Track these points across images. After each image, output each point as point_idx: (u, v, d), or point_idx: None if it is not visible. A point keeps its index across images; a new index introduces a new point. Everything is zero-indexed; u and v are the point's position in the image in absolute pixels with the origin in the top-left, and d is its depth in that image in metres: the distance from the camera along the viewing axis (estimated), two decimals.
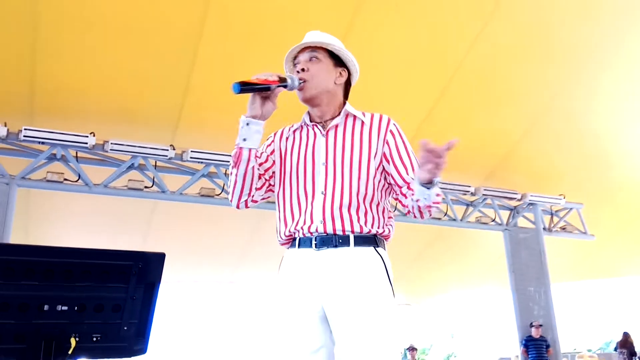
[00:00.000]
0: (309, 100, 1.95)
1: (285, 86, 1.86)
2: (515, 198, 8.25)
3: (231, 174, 1.93)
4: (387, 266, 1.84)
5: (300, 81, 1.91)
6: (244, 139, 1.86)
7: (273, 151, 2.03)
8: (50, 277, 1.31)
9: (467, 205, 8.25)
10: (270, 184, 2.01)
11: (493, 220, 8.39)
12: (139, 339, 1.40)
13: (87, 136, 6.06)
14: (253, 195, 1.96)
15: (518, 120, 7.41)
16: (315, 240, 1.83)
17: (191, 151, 6.52)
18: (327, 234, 1.83)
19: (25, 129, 5.78)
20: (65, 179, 6.25)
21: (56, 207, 7.48)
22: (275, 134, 2.07)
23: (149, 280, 1.43)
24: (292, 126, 2.04)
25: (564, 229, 8.58)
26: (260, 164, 1.99)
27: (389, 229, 1.94)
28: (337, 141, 1.92)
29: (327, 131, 1.95)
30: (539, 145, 7.68)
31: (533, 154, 7.78)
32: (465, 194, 8.02)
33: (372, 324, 1.71)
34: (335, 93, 1.98)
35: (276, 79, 1.83)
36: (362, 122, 1.95)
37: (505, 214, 8.53)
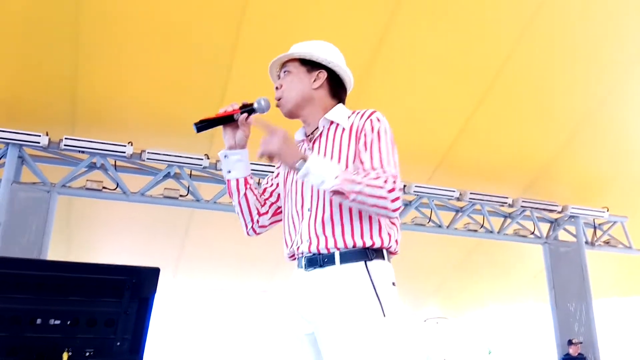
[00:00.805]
0: (290, 115, 1.92)
1: (252, 111, 1.86)
2: (555, 210, 7.98)
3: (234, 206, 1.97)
4: (374, 281, 1.70)
5: (277, 100, 1.91)
6: (229, 171, 1.91)
7: (278, 174, 2.03)
8: (42, 290, 1.34)
9: (505, 217, 8.04)
10: (279, 206, 2.00)
11: (532, 233, 8.14)
12: (133, 355, 1.40)
13: (125, 145, 6.22)
14: (258, 221, 1.97)
15: (559, 130, 7.19)
16: (305, 261, 1.78)
17: None
18: (313, 254, 1.77)
19: (66, 139, 5.98)
20: (104, 187, 6.43)
21: (97, 216, 7.70)
22: None
23: (143, 295, 1.44)
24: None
25: (607, 243, 8.24)
26: (265, 189, 2.02)
27: (384, 238, 1.78)
28: (319, 154, 1.85)
29: (313, 144, 1.90)
30: (581, 156, 7.42)
31: (575, 164, 7.52)
32: (503, 206, 7.81)
33: (352, 347, 1.62)
34: (315, 98, 1.91)
35: (237, 107, 1.85)
36: (343, 129, 1.85)
37: (545, 227, 8.27)
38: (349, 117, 1.87)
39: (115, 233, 8.32)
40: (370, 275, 1.71)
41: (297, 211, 1.85)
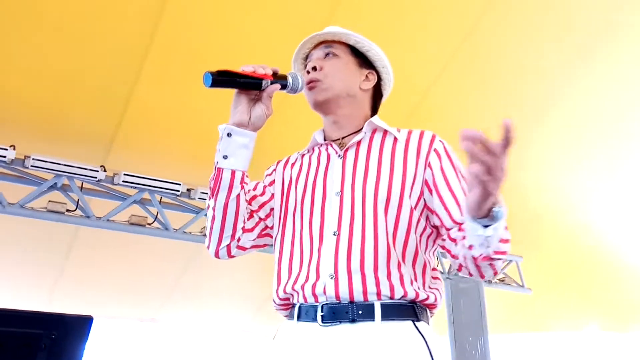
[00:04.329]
0: (321, 105, 1.46)
1: (284, 85, 1.38)
2: None
3: (208, 207, 1.36)
4: (432, 352, 1.24)
5: (310, 83, 1.43)
6: (225, 156, 1.32)
7: (273, 182, 1.51)
8: None
9: None
10: (266, 226, 1.47)
11: (434, 269, 8.21)
12: None
13: (7, 149, 5.40)
14: (239, 239, 1.39)
15: None
16: (322, 311, 1.23)
17: (124, 174, 5.95)
18: (340, 302, 1.24)
19: None
20: None
21: None
22: (279, 162, 1.57)
23: (65, 357, 0.97)
24: (304, 150, 1.54)
25: (502, 281, 8.53)
26: (254, 197, 1.47)
27: (434, 294, 1.37)
28: (359, 163, 1.39)
29: (346, 150, 1.42)
30: None
31: None
32: None
33: None
34: (359, 100, 1.49)
35: (270, 72, 1.35)
36: (395, 139, 1.43)
37: (446, 262, 8.39)
38: (398, 131, 1.47)
39: None
40: (427, 344, 1.23)
41: (311, 232, 1.32)
